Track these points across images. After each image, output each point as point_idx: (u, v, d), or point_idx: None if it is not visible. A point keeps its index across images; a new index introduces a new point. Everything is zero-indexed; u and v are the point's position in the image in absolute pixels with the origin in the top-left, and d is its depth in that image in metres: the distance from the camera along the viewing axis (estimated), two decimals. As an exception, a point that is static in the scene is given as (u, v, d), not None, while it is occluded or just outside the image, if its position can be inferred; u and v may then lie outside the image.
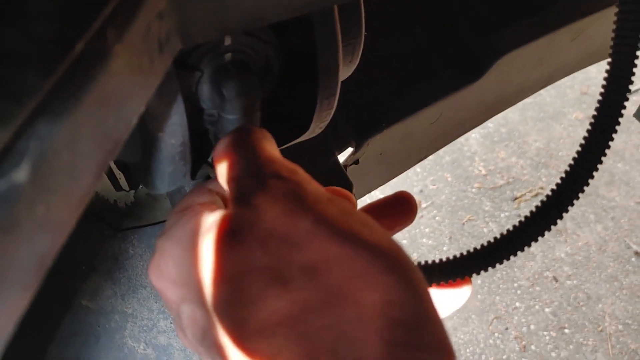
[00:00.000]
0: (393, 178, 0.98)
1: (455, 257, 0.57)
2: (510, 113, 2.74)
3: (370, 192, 0.96)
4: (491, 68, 0.91)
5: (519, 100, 1.14)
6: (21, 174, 0.21)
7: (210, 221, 0.39)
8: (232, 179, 0.40)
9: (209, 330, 0.36)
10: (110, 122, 0.27)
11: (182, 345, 0.56)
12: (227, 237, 0.36)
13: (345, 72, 0.56)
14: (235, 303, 0.35)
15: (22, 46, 0.22)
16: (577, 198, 0.58)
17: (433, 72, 0.89)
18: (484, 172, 2.51)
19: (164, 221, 0.64)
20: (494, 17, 0.94)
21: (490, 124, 2.69)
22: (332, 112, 0.52)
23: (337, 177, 0.81)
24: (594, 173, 0.57)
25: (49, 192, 0.23)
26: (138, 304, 0.56)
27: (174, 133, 0.42)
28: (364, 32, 0.53)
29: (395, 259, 0.34)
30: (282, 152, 0.65)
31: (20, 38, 0.23)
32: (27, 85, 0.22)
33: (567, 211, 0.58)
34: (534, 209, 0.58)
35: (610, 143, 0.56)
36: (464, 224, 2.31)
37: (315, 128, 0.53)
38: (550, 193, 0.57)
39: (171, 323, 0.57)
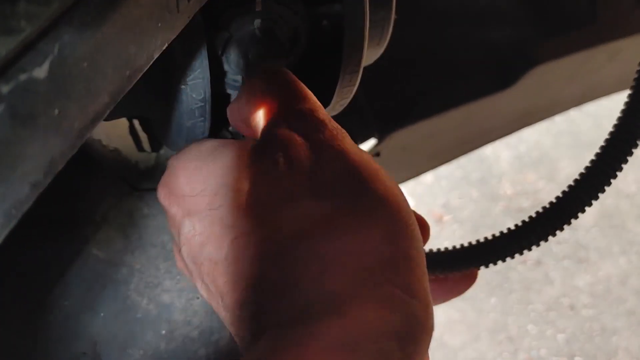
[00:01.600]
0: (414, 177, 0.99)
1: (455, 248, 0.58)
2: (544, 138, 2.72)
3: (389, 187, 0.96)
4: (523, 77, 0.91)
5: (548, 116, 1.13)
6: (41, 72, 0.22)
7: (229, 140, 0.41)
8: (281, 102, 0.40)
9: (206, 246, 0.37)
10: (131, 49, 0.28)
11: (184, 305, 0.57)
12: (249, 151, 0.39)
13: (372, 54, 0.57)
14: (242, 216, 0.36)
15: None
16: (583, 211, 0.57)
17: (464, 74, 0.90)
18: (510, 192, 2.49)
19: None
20: (530, 27, 0.94)
21: (522, 146, 2.66)
22: (354, 89, 0.53)
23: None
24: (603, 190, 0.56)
25: (66, 97, 0.24)
26: (146, 261, 0.58)
27: (196, 87, 0.44)
28: (393, 15, 0.54)
29: (395, 214, 0.35)
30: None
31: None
32: (56, -8, 0.23)
33: (569, 223, 0.57)
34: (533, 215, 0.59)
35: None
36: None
37: (336, 104, 0.54)
38: (554, 200, 0.57)
39: (177, 283, 0.58)
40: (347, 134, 0.39)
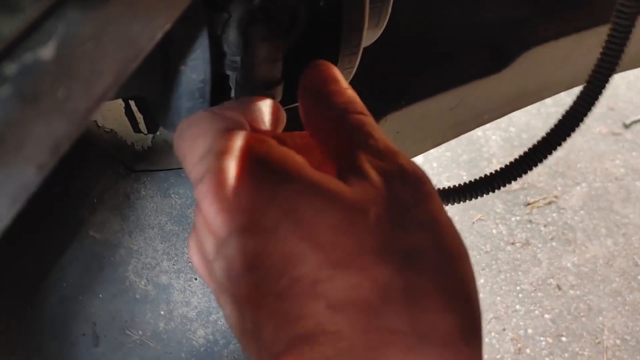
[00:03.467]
0: (407, 159, 0.98)
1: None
2: (534, 120, 2.73)
3: (382, 169, 0.96)
4: (517, 60, 0.91)
5: (540, 98, 1.13)
6: (47, 52, 0.22)
7: (313, 174, 0.35)
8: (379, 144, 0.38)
9: (257, 271, 0.33)
10: (136, 28, 0.28)
11: (182, 286, 0.57)
12: (332, 191, 0.34)
13: (370, 36, 0.57)
14: (315, 258, 0.32)
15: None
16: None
17: (458, 56, 0.90)
18: (499, 174, 2.50)
19: (179, 168, 0.65)
20: (525, 9, 0.94)
21: (512, 128, 2.67)
22: (353, 71, 0.52)
23: (351, 148, 0.81)
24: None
25: (71, 77, 0.24)
26: (144, 242, 0.57)
27: (196, 67, 0.43)
28: (392, -3, 0.53)
29: (471, 309, 0.33)
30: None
31: None
32: (61, -30, 0.23)
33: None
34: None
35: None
36: (473, 222, 2.31)
37: (334, 86, 0.53)
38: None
39: (174, 264, 0.58)
40: (435, 194, 0.36)
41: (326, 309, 0.31)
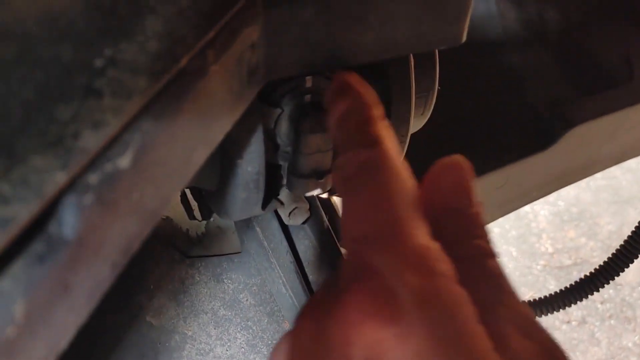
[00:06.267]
0: (455, 238, 0.98)
1: None
2: (583, 193, 2.68)
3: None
4: (562, 138, 0.91)
5: (587, 175, 1.13)
6: (125, 161, 0.24)
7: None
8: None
9: None
10: (201, 132, 0.30)
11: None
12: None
13: (416, 123, 0.59)
14: None
15: (137, 56, 0.26)
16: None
17: (502, 137, 0.91)
18: (550, 250, 2.44)
19: (231, 253, 0.67)
20: (567, 87, 0.95)
21: (561, 202, 2.63)
22: (401, 158, 0.54)
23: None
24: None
25: (145, 181, 0.26)
26: (198, 328, 0.58)
27: (252, 161, 0.45)
28: (437, 86, 0.55)
29: None
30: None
31: (137, 50, 0.26)
32: (137, 86, 0.25)
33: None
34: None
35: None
36: (526, 301, 2.24)
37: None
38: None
39: (227, 350, 0.59)
40: None
41: None
